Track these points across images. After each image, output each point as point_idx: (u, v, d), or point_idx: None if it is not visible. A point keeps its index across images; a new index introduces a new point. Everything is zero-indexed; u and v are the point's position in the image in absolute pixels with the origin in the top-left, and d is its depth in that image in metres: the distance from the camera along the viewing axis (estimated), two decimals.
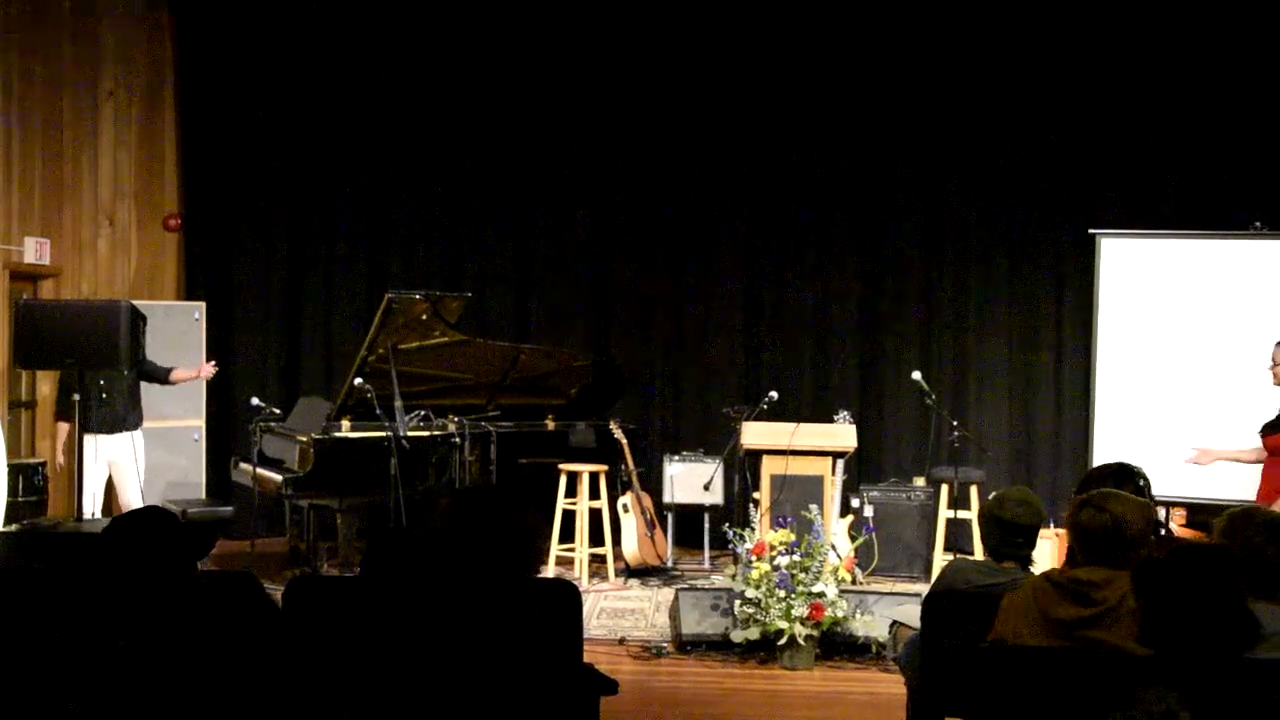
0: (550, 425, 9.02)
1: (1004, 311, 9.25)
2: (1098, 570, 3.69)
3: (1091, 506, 3.72)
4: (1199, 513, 8.10)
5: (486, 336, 8.88)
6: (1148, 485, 4.26)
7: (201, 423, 9.40)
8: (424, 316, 7.99)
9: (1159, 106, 9.26)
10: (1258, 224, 8.36)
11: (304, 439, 7.91)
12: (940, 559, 8.01)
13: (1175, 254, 8.50)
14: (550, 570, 8.36)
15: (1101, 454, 8.44)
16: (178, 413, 9.21)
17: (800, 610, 6.49)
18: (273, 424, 8.33)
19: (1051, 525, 7.77)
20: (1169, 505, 7.83)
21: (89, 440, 7.56)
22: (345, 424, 8.10)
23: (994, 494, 4.53)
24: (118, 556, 3.26)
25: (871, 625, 6.65)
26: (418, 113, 9.86)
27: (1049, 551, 7.72)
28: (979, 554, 6.84)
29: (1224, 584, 2.96)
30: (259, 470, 8.04)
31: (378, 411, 7.69)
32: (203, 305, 9.49)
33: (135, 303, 8.14)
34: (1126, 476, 4.24)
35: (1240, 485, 7.87)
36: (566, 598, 3.84)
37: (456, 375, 8.66)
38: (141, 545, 3.28)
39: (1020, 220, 9.58)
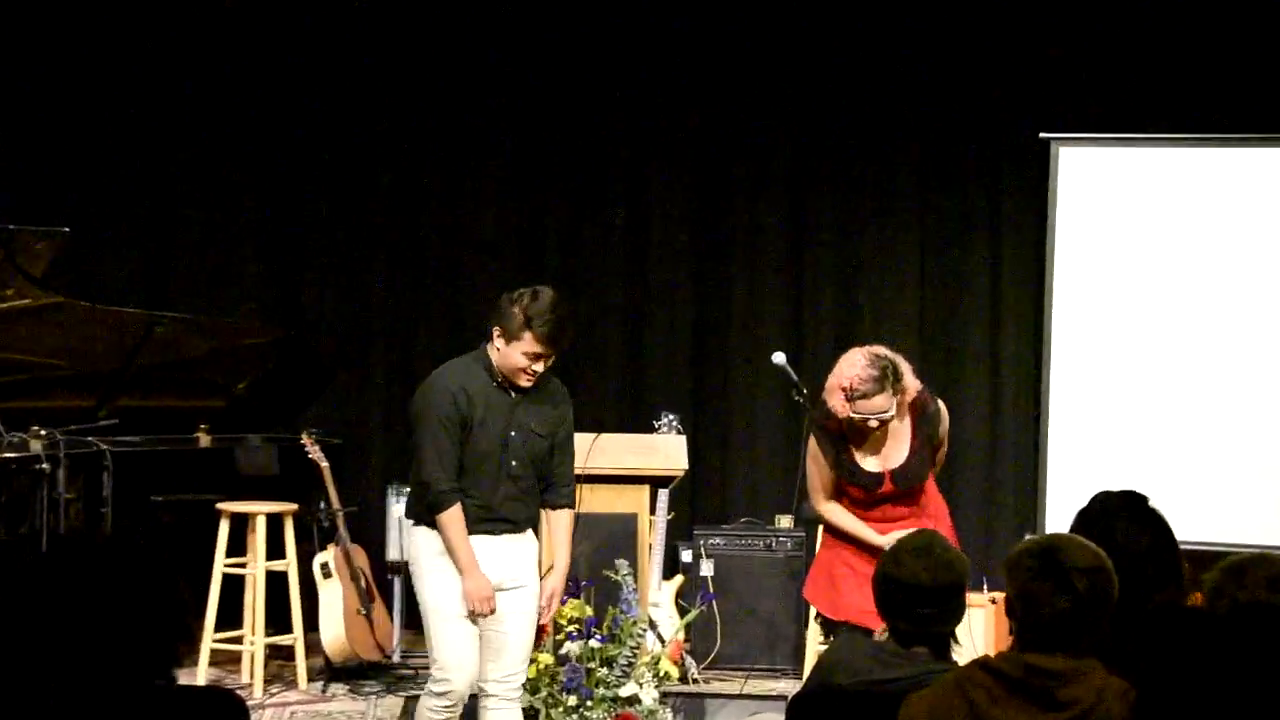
0: (204, 440, 7.44)
1: (912, 260, 7.56)
2: (1058, 658, 3.07)
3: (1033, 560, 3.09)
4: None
5: (101, 299, 7.09)
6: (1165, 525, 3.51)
7: None
8: None
9: None
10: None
11: None
12: (817, 642, 6.44)
13: (1144, 166, 7.00)
14: (202, 673, 6.81)
15: (1056, 469, 7.12)
16: None
17: None
18: None
19: (985, 587, 6.58)
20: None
21: None
22: None
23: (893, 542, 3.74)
24: None
25: None
26: None
27: (982, 626, 6.55)
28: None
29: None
30: None
31: None
32: None
33: None
34: (1139, 511, 3.51)
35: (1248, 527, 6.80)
36: (227, 716, 3.03)
37: (47, 360, 7.14)
38: None
39: (932, 126, 7.67)
